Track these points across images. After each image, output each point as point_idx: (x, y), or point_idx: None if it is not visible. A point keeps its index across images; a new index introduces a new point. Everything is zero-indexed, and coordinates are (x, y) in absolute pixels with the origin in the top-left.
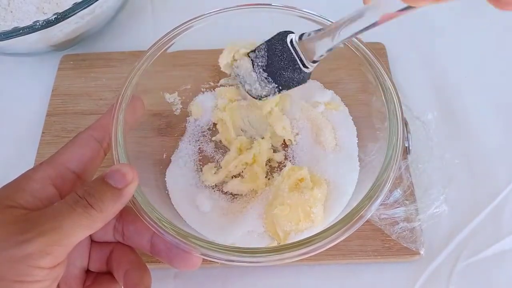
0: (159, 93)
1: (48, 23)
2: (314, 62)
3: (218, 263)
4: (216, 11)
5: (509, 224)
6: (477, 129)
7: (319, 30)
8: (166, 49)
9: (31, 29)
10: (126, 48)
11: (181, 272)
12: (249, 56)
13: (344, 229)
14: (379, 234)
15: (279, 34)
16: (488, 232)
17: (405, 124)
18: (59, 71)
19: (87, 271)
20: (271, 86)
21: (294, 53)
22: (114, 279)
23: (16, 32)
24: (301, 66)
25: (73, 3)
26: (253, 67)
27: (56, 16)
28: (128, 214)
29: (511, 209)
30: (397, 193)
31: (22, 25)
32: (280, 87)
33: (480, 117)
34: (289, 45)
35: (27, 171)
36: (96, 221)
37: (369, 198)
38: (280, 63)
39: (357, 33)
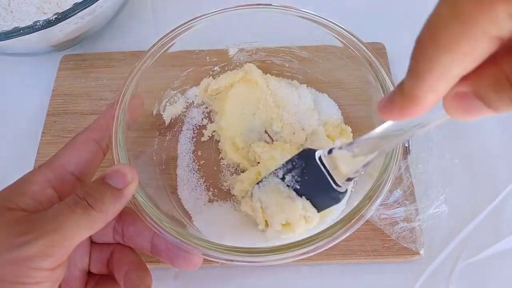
0: (159, 93)
1: (49, 23)
2: (349, 180)
3: (218, 263)
4: (216, 11)
5: (509, 224)
6: (477, 129)
7: (350, 143)
8: (167, 49)
9: (31, 29)
10: (126, 48)
11: (181, 272)
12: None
13: (344, 229)
14: (379, 234)
15: (303, 151)
16: (488, 232)
17: None
18: (59, 71)
19: (89, 274)
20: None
21: (324, 171)
22: (116, 282)
23: (16, 32)
24: (333, 185)
25: (73, 3)
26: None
27: (56, 16)
28: (128, 215)
29: (511, 209)
30: (397, 193)
31: (22, 25)
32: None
33: (480, 117)
34: (318, 162)
35: (26, 174)
36: (96, 222)
37: (369, 198)
38: (311, 182)
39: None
